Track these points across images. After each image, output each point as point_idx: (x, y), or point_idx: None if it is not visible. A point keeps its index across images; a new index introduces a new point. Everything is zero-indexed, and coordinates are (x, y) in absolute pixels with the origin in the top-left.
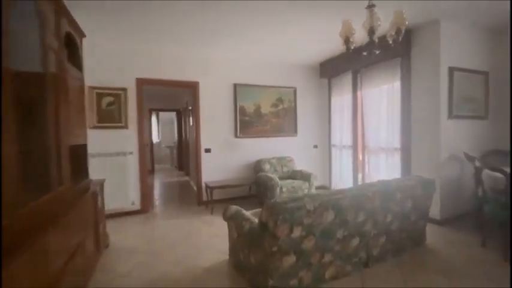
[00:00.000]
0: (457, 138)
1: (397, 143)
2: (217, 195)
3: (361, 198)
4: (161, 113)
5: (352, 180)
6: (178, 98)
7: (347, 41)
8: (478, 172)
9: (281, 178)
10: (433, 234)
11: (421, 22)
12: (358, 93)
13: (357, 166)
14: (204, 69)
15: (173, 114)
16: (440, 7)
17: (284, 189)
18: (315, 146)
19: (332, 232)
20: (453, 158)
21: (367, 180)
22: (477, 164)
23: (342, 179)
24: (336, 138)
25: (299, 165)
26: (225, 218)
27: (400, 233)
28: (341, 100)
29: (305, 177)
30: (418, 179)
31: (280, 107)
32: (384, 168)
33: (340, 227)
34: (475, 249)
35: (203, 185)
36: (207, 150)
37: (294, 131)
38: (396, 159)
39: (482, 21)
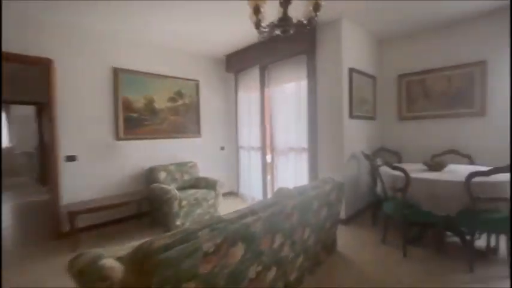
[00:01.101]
0: (356, 138)
1: (305, 143)
2: (88, 220)
3: (278, 217)
4: (13, 107)
5: (261, 184)
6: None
7: (257, 23)
8: (376, 170)
9: (181, 188)
10: (341, 237)
11: (326, 20)
12: (266, 90)
13: (266, 168)
14: (65, 41)
15: (32, 109)
16: (341, 6)
17: (184, 203)
18: (222, 148)
19: (242, 273)
20: (353, 157)
21: (277, 183)
22: (379, 162)
23: (251, 183)
24: (243, 139)
25: (204, 171)
26: (72, 275)
27: (315, 246)
28: (249, 97)
29: (210, 185)
30: (333, 183)
31: (180, 102)
32: (293, 170)
33: (252, 263)
34: (378, 248)
35: (63, 208)
36: (70, 159)
37: (197, 131)
38: (304, 160)
39: (373, 29)
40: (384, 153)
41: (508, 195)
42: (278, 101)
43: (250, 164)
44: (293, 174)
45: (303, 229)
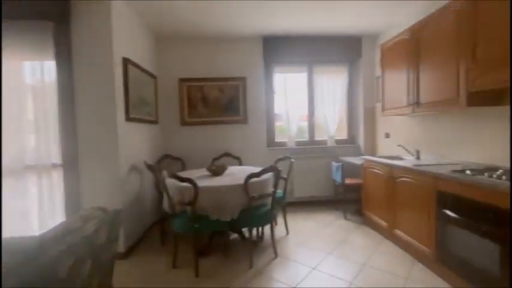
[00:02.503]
0: (136, 145)
1: (56, 157)
2: None
3: None
4: None
5: None
6: None
7: None
8: (163, 184)
9: None
10: (121, 275)
11: None
12: None
13: None
14: None
15: None
16: None
17: None
18: None
19: None
20: (134, 169)
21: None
22: (165, 175)
23: None
24: None
25: None
26: None
27: None
28: None
29: None
30: (101, 217)
31: None
32: (36, 201)
33: None
34: (169, 273)
35: None
36: None
37: None
38: (56, 182)
39: (154, 24)
40: (169, 161)
41: (269, 191)
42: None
43: None
44: (35, 207)
45: None
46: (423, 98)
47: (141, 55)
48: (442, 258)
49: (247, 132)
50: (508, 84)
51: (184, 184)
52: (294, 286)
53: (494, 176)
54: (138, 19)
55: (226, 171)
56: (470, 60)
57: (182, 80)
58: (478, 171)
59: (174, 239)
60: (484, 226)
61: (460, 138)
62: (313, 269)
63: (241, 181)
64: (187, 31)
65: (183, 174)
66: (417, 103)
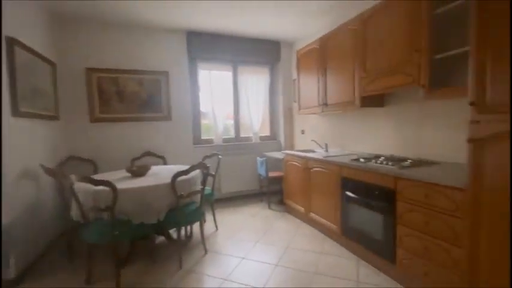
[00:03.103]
0: (33, 146)
1: None
2: None
3: None
4: None
5: None
6: None
7: None
8: (71, 189)
9: None
10: None
11: None
12: None
13: None
14: None
15: None
16: None
17: None
18: None
19: None
20: (25, 176)
21: None
22: (73, 179)
23: None
24: None
25: None
26: None
27: None
28: None
29: None
30: None
31: None
32: None
33: None
34: None
35: None
36: None
37: None
38: None
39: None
40: (76, 163)
41: (198, 188)
42: None
43: None
44: None
45: None
46: (330, 99)
47: (33, 36)
48: (345, 232)
49: (171, 129)
50: (388, 91)
51: (100, 188)
52: (225, 278)
53: (379, 162)
54: None
55: (150, 172)
56: (362, 70)
57: (91, 70)
58: (368, 159)
59: (87, 251)
60: (373, 202)
61: (356, 133)
62: (243, 258)
63: (168, 180)
64: (97, 15)
65: (97, 177)
66: (325, 104)
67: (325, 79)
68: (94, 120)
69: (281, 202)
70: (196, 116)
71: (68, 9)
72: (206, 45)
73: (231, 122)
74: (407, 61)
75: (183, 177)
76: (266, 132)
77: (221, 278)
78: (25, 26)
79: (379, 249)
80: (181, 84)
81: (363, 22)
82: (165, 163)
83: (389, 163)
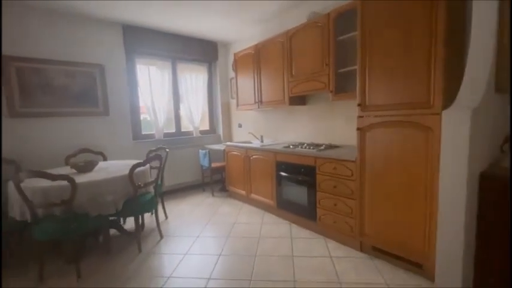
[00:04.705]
0: None
1: None
2: None
3: None
4: None
5: None
6: None
7: None
8: (17, 186)
9: None
10: None
11: None
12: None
13: None
14: None
15: None
16: None
17: None
18: None
19: None
20: None
21: None
22: (22, 176)
23: None
24: None
25: None
26: None
27: None
28: None
29: None
30: None
31: None
32: None
33: None
34: None
35: None
36: None
37: None
38: None
39: None
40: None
41: (153, 179)
42: None
43: None
44: None
45: None
46: (264, 97)
47: None
48: (279, 205)
49: (109, 125)
50: (308, 93)
51: (56, 183)
52: (184, 253)
53: (303, 147)
54: None
55: (96, 168)
56: (290, 75)
57: (8, 58)
58: (295, 145)
59: (37, 249)
60: (299, 177)
61: (285, 126)
62: (197, 237)
63: (123, 173)
64: None
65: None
66: (261, 101)
67: (259, 80)
68: (14, 115)
69: (222, 189)
70: (135, 111)
71: None
72: (144, 40)
73: (172, 116)
74: (320, 71)
75: (141, 168)
76: (206, 127)
77: (181, 254)
78: None
79: (305, 213)
80: (119, 78)
81: (289, 37)
82: (105, 159)
83: (311, 147)
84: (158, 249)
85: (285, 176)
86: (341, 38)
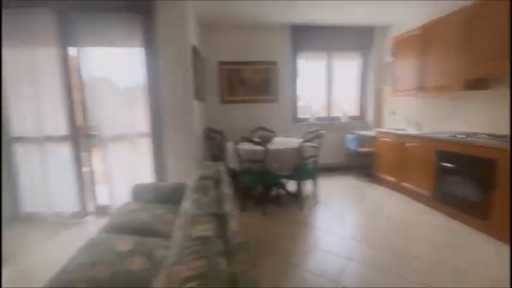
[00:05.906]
0: (197, 119)
1: (143, 125)
2: None
3: None
4: None
5: (77, 203)
6: None
7: None
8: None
9: None
10: None
11: None
12: (72, 50)
13: (82, 172)
14: None
15: None
16: None
17: None
18: None
19: None
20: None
21: (109, 198)
22: (239, 139)
23: (51, 201)
24: (26, 125)
25: None
26: None
27: None
28: (29, 56)
29: None
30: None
31: None
32: (130, 166)
33: None
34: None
35: None
36: None
37: None
38: (144, 150)
39: (197, 11)
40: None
41: (313, 153)
42: (97, 66)
43: (47, 168)
44: (131, 174)
45: None
46: (429, 82)
47: (195, 40)
48: (436, 197)
49: (276, 109)
50: (492, 76)
51: (257, 147)
52: (338, 217)
53: (478, 137)
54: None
55: (272, 141)
56: (471, 55)
57: (221, 63)
58: (467, 134)
59: (242, 190)
60: (469, 170)
61: (450, 114)
62: (347, 207)
63: (294, 146)
64: (227, 20)
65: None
66: (423, 87)
67: (424, 63)
68: (223, 102)
69: (367, 175)
70: (294, 98)
71: (206, 18)
72: (305, 36)
73: (323, 103)
74: None
75: (306, 143)
76: (355, 113)
77: (333, 217)
78: (193, 36)
79: (471, 209)
80: (286, 71)
81: (469, 14)
82: (276, 136)
83: (491, 138)
84: (314, 211)
85: (447, 167)
86: None
